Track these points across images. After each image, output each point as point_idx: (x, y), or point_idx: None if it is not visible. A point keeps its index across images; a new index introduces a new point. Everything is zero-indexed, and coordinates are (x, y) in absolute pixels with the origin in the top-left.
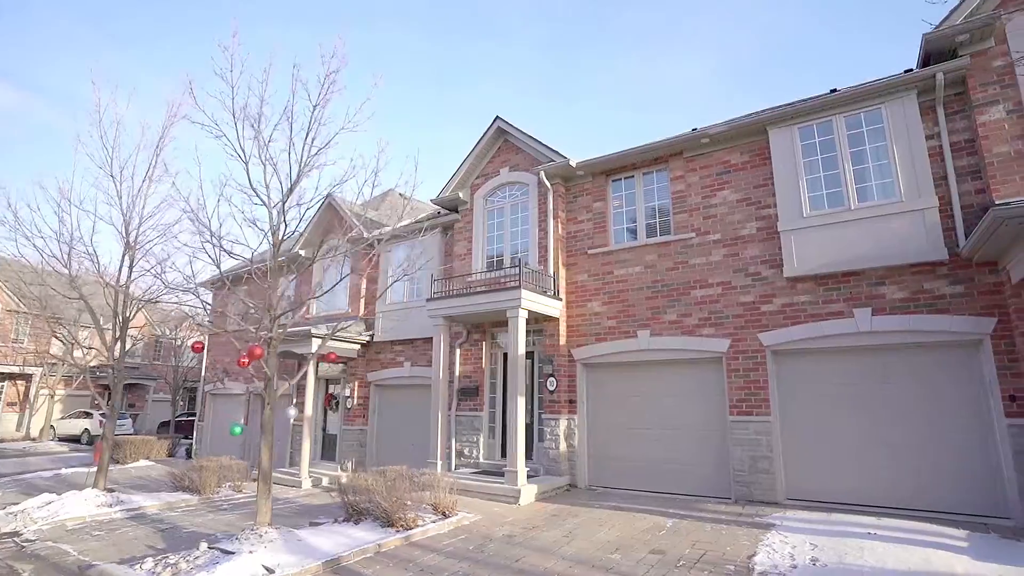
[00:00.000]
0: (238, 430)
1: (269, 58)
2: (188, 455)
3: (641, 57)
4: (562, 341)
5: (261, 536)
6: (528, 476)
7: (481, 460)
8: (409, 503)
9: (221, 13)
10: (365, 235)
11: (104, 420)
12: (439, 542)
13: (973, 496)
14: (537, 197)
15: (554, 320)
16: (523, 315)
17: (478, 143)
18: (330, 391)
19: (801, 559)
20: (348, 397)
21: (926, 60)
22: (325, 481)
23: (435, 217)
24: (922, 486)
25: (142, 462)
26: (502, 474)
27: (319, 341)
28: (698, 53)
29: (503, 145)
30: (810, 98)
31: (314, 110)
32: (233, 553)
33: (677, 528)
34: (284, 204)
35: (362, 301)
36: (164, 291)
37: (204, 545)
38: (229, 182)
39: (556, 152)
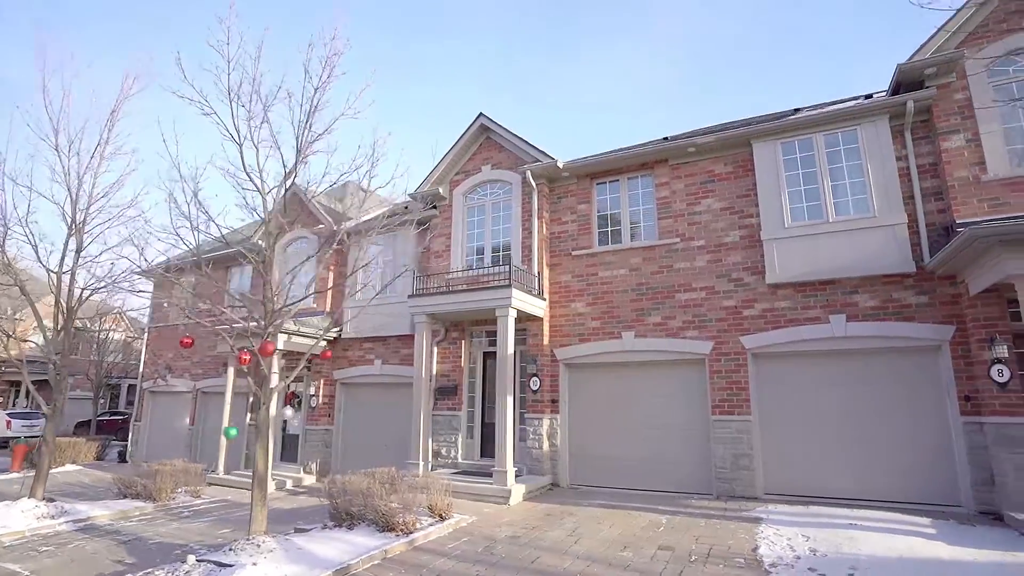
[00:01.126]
0: (234, 432)
1: (263, 36)
2: (121, 458)
3: (616, 56)
4: (545, 341)
5: (259, 546)
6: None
7: (460, 460)
8: (398, 505)
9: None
10: (334, 228)
11: (11, 420)
12: (444, 545)
13: (932, 487)
14: (521, 196)
15: (538, 320)
16: (512, 314)
17: (459, 139)
18: (291, 389)
19: (801, 550)
20: (313, 395)
21: (897, 87)
22: (289, 484)
23: (411, 212)
24: (888, 479)
25: (69, 467)
26: (486, 474)
27: (285, 337)
28: (673, 53)
29: (485, 142)
30: (788, 112)
31: (315, 93)
32: (231, 566)
33: (674, 524)
34: (285, 191)
35: (329, 296)
36: (128, 275)
37: (192, 558)
38: (214, 162)
39: (542, 152)
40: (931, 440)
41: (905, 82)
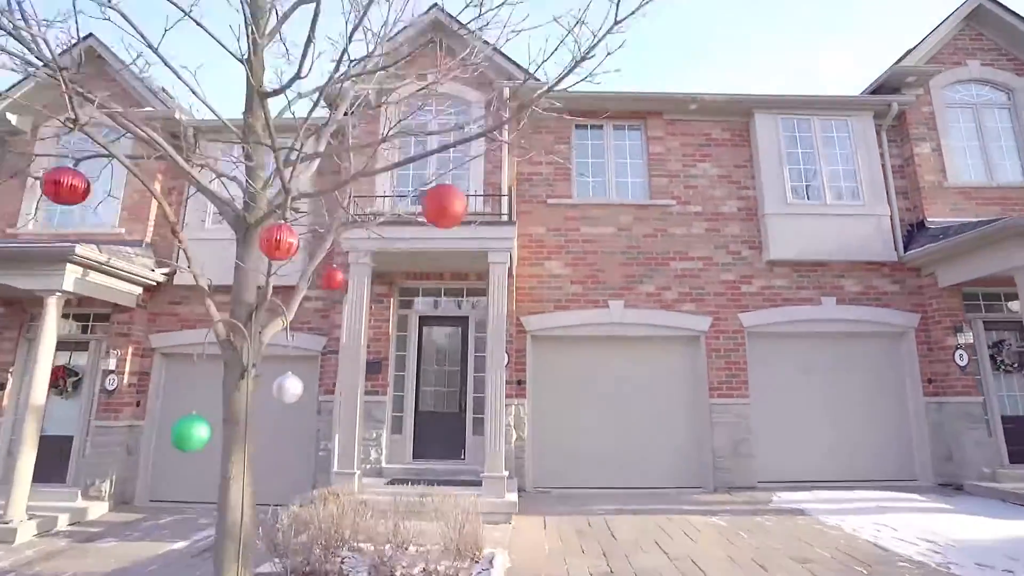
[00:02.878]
0: (203, 435)
1: None
2: None
3: None
4: (512, 306)
5: None
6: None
7: (385, 465)
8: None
9: None
10: (180, 118)
11: None
12: None
13: (894, 464)
14: (486, 121)
15: (509, 277)
16: (507, 261)
17: (397, 33)
18: (61, 362)
19: (911, 539)
20: (111, 372)
21: (878, 88)
22: (63, 522)
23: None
24: (861, 458)
25: None
26: (457, 483)
27: (79, 271)
28: None
29: (431, 46)
30: (790, 95)
31: None
32: None
33: (744, 527)
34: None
35: (151, 221)
36: None
37: None
38: None
39: (523, 69)
40: (895, 420)
41: (887, 85)
